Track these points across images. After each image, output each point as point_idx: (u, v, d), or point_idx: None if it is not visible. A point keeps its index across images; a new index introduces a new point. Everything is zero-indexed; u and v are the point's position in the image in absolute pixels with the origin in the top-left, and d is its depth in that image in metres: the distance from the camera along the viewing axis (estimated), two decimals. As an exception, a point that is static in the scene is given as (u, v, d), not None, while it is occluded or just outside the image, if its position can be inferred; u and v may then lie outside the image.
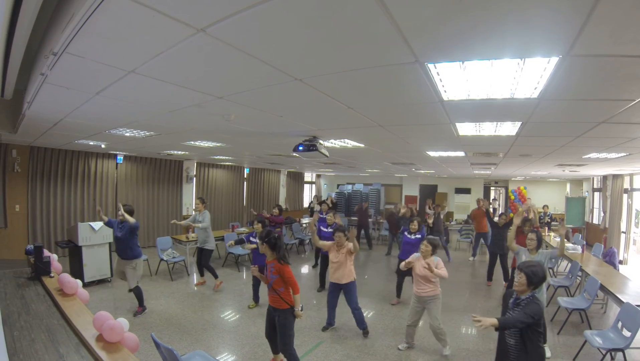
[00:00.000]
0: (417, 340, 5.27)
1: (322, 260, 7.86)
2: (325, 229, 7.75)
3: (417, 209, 12.94)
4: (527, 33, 1.94)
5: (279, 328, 4.12)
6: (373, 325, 5.93)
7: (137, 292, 6.09)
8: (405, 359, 4.92)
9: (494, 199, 19.72)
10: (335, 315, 5.78)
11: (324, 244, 5.71)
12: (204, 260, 7.74)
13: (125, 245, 5.93)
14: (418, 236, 6.79)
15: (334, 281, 5.54)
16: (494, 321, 2.88)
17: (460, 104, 3.43)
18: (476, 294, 7.99)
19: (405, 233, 7.09)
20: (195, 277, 8.45)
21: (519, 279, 3.11)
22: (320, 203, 11.15)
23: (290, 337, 4.15)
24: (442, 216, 12.24)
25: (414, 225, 6.95)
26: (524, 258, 4.90)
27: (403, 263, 5.16)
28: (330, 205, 11.89)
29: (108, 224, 6.20)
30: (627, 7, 1.62)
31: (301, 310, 4.21)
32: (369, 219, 13.93)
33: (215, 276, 7.69)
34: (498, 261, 8.42)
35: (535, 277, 3.07)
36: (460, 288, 8.38)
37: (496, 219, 9.34)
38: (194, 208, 7.81)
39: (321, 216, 9.47)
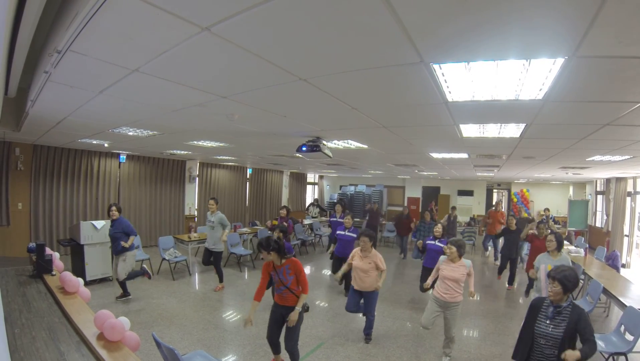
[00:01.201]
0: (418, 341, 5.26)
1: (338, 263, 7.78)
2: (342, 232, 7.55)
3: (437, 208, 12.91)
4: (533, 33, 1.93)
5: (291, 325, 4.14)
6: (375, 327, 5.89)
7: (122, 285, 6.63)
8: (407, 361, 4.92)
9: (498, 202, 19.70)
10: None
11: (348, 262, 5.46)
12: (215, 262, 7.63)
13: (116, 241, 6.42)
14: (444, 242, 6.51)
15: (357, 288, 5.33)
16: (578, 354, 2.78)
17: (464, 105, 3.41)
18: (482, 298, 7.96)
19: (429, 240, 6.87)
20: (197, 278, 8.46)
21: (554, 288, 3.00)
22: (315, 205, 11.19)
23: (299, 333, 4.22)
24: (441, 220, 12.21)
25: (438, 229, 6.76)
26: (542, 267, 4.82)
27: (429, 281, 5.02)
28: (345, 206, 11.86)
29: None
30: (633, 8, 1.61)
31: (307, 310, 4.24)
32: (381, 221, 13.88)
33: (221, 280, 7.68)
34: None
35: (570, 282, 2.97)
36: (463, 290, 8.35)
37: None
38: (208, 207, 7.72)
39: (333, 219, 9.45)
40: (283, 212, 9.10)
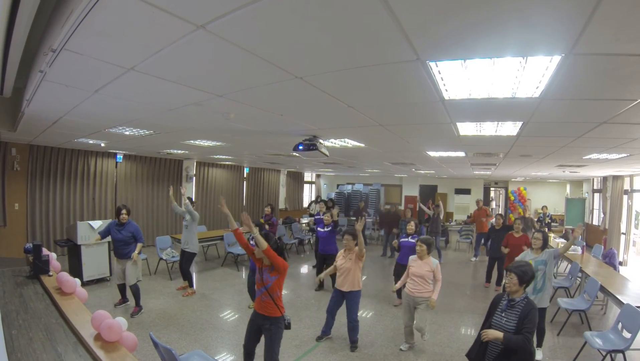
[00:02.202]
0: (416, 340, 5.26)
1: (320, 260, 7.83)
2: (321, 230, 7.65)
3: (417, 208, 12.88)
4: (529, 31, 1.93)
5: (269, 337, 3.82)
6: (371, 325, 5.92)
7: (135, 290, 6.08)
8: (404, 360, 4.91)
9: (491, 200, 19.71)
10: (334, 324, 5.44)
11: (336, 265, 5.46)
12: (184, 264, 7.35)
13: (126, 244, 6.06)
14: (416, 238, 6.45)
15: (339, 288, 5.24)
16: (499, 335, 2.99)
17: (461, 103, 3.41)
18: (475, 296, 7.97)
19: (402, 236, 6.92)
20: (194, 277, 8.45)
21: (510, 280, 3.17)
22: (317, 201, 11.13)
23: (279, 347, 3.86)
24: (441, 217, 12.14)
25: (411, 227, 6.78)
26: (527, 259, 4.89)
27: (397, 285, 5.38)
28: (331, 205, 11.78)
29: (103, 233, 6.23)
30: (630, 5, 1.61)
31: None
32: (377, 220, 13.88)
33: (191, 285, 7.39)
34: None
35: (526, 275, 3.16)
36: (459, 289, 8.37)
37: (492, 220, 9.38)
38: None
39: (317, 216, 9.45)
40: (268, 210, 8.99)
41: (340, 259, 5.32)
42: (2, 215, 8.41)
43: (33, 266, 4.86)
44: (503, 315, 3.16)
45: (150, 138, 6.84)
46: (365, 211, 14.04)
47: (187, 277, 7.38)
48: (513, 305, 3.13)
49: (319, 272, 7.75)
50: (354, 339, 5.24)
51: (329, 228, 7.57)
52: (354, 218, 14.19)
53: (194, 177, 13.30)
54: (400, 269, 6.42)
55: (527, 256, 4.98)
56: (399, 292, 6.88)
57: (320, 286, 7.83)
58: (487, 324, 3.26)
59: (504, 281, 3.26)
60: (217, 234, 10.52)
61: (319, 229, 7.75)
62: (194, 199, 10.27)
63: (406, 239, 6.76)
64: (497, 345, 3.10)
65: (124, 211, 6.13)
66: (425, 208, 12.00)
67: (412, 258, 5.19)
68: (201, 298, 7.06)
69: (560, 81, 2.63)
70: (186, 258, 7.34)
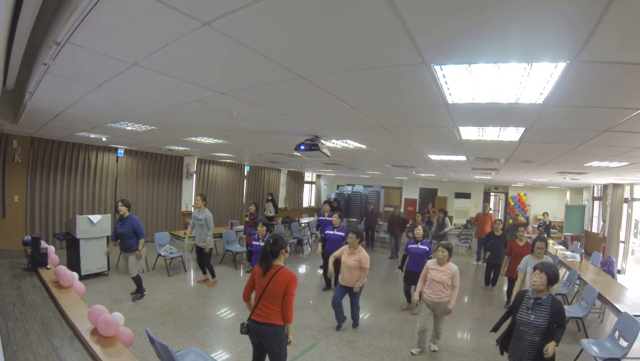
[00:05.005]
0: (412, 342, 5.25)
1: (326, 259, 7.74)
2: (332, 232, 7.53)
3: (434, 210, 12.80)
4: (535, 37, 1.93)
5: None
6: (369, 327, 5.92)
7: (137, 280, 6.42)
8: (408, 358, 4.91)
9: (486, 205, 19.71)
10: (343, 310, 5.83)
11: (335, 255, 5.73)
12: (204, 259, 7.57)
13: (128, 238, 6.25)
14: (425, 245, 6.62)
15: (343, 284, 5.58)
16: (554, 343, 3.35)
17: (464, 107, 3.41)
18: (474, 299, 7.96)
19: (410, 242, 6.79)
20: (192, 274, 8.46)
21: (539, 279, 3.39)
22: (269, 200, 10.99)
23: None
24: (446, 222, 12.07)
25: (419, 232, 6.66)
26: (529, 269, 5.01)
27: (416, 296, 5.22)
28: (335, 205, 11.71)
29: (113, 235, 6.54)
30: (638, 13, 1.60)
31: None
32: (378, 222, 13.88)
33: (213, 275, 7.73)
34: None
35: (555, 277, 3.44)
36: (461, 290, 8.26)
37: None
38: (193, 204, 7.61)
39: (323, 218, 9.42)
40: (252, 208, 8.78)
41: (344, 255, 5.53)
42: (2, 207, 8.41)
43: (31, 258, 4.86)
44: (530, 312, 3.41)
45: (151, 134, 6.83)
46: (377, 214, 13.99)
47: (210, 269, 7.69)
48: (540, 303, 3.38)
49: (327, 272, 7.75)
50: (355, 319, 5.86)
51: (340, 232, 7.44)
52: (354, 220, 14.21)
53: (195, 174, 13.31)
54: (410, 276, 6.56)
55: (529, 262, 5.10)
56: (408, 296, 6.94)
57: (329, 286, 7.85)
58: (512, 318, 3.58)
59: (522, 283, 3.55)
60: (216, 232, 10.49)
61: (328, 231, 7.67)
62: (193, 198, 10.23)
63: (415, 245, 6.67)
64: (532, 340, 3.40)
65: (119, 204, 6.28)
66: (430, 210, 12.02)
67: (431, 262, 5.08)
68: (198, 295, 7.05)
69: (565, 87, 2.62)
70: (205, 254, 7.53)
